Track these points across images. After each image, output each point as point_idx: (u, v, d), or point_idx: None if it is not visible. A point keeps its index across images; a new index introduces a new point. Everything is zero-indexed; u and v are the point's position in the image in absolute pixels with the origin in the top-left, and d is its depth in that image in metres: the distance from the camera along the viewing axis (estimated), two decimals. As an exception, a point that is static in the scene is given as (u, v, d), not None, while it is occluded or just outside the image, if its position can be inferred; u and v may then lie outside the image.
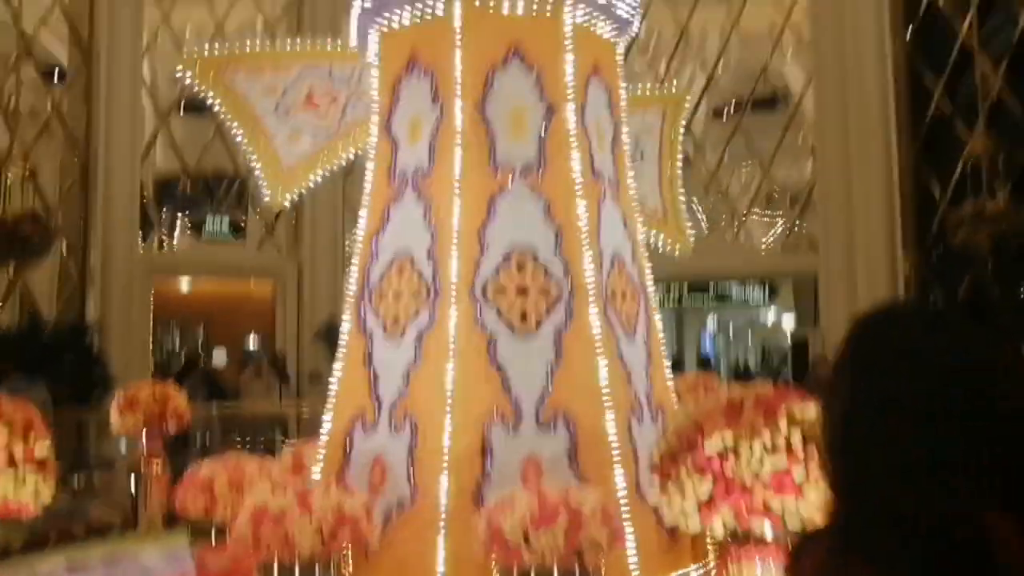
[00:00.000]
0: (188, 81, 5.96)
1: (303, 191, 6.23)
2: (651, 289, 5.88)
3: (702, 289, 18.16)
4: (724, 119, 20.94)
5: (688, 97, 8.01)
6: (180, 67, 5.90)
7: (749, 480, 2.75)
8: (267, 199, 6.17)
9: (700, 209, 18.22)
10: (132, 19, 16.80)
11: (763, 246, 18.35)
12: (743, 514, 2.80)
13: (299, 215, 18.38)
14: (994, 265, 12.99)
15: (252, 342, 19.71)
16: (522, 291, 5.26)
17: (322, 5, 17.75)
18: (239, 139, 5.97)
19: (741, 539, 2.89)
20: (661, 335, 5.91)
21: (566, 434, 5.10)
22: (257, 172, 6.06)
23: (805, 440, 2.81)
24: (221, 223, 18.53)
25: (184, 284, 19.27)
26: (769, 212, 21.68)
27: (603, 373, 5.19)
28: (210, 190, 19.98)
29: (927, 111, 15.48)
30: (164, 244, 18.38)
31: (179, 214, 19.33)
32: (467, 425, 5.06)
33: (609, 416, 5.13)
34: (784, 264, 17.72)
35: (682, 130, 7.44)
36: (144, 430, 6.79)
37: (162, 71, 22.33)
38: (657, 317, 5.90)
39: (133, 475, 7.05)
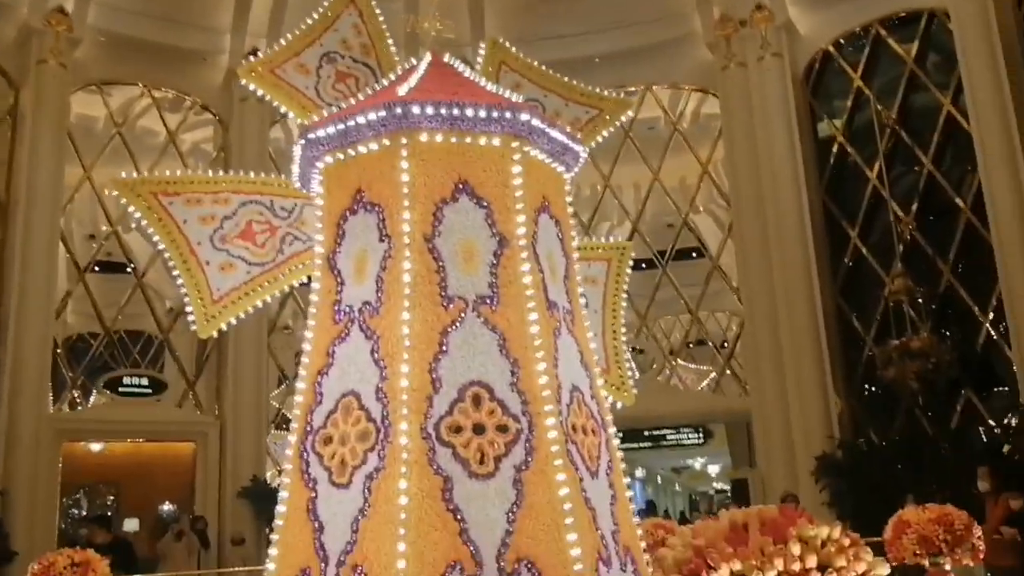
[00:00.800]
0: (122, 202, 5.71)
1: (231, 323, 5.93)
2: (610, 422, 5.64)
3: (636, 434, 18.00)
4: (645, 268, 21.43)
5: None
6: (114, 189, 5.65)
7: (762, 613, 2.45)
8: (194, 328, 5.85)
9: (630, 356, 18.28)
10: (52, 177, 16.52)
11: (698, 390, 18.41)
12: (758, 656, 2.48)
13: (221, 371, 17.78)
14: (924, 400, 13.18)
15: (166, 509, 18.56)
16: (478, 429, 4.97)
17: (249, 163, 17.79)
18: (170, 265, 5.70)
19: None
20: (624, 471, 5.63)
21: (530, 584, 4.71)
22: (186, 300, 5.74)
23: (822, 567, 2.53)
24: (139, 380, 17.75)
25: (95, 445, 18.22)
26: (700, 366, 21.92)
27: (567, 515, 4.86)
28: (126, 348, 19.28)
29: (845, 254, 16.06)
30: (78, 404, 17.47)
31: (94, 373, 18.50)
32: (422, 578, 4.64)
33: (576, 562, 4.77)
34: (717, 407, 17.75)
35: (626, 282, 7.35)
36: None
37: (79, 230, 22.02)
38: (619, 452, 5.63)
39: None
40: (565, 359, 5.40)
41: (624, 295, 7.34)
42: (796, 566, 2.53)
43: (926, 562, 5.37)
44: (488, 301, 5.25)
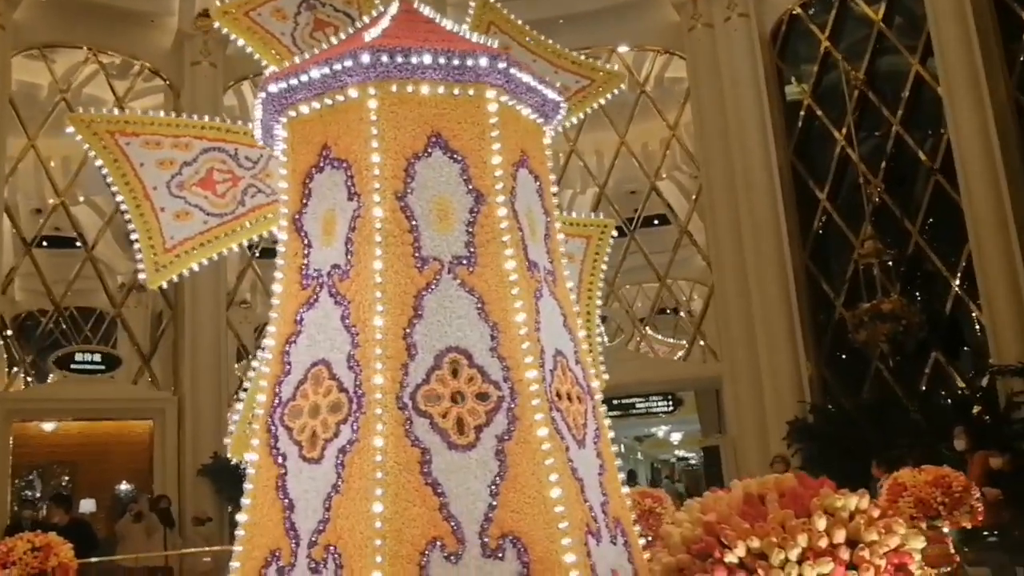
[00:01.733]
0: (78, 139, 5.32)
1: (183, 274, 5.64)
2: (597, 388, 5.38)
3: (605, 403, 17.86)
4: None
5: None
6: (70, 126, 5.29)
7: (786, 596, 2.14)
8: (142, 277, 5.54)
9: (601, 323, 18.17)
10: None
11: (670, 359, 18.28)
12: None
13: (178, 347, 17.29)
14: (894, 362, 13.14)
15: (124, 490, 18.10)
16: (457, 397, 4.67)
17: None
18: (123, 208, 5.39)
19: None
20: (611, 438, 5.37)
21: (517, 562, 4.44)
22: (136, 247, 5.44)
23: (851, 542, 2.22)
24: (92, 357, 17.18)
25: (48, 425, 17.65)
26: (670, 338, 21.81)
27: (554, 486, 4.58)
28: (77, 325, 18.67)
29: (814, 218, 15.98)
30: (29, 383, 16.89)
31: (44, 351, 17.91)
32: (401, 557, 4.35)
33: (564, 536, 4.50)
34: (687, 374, 17.65)
35: (605, 261, 7.00)
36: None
37: (24, 203, 21.22)
38: (607, 421, 5.37)
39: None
40: (547, 322, 5.11)
41: (602, 275, 7.00)
42: (823, 542, 2.20)
43: (923, 525, 5.19)
44: (465, 262, 4.95)
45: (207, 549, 11.89)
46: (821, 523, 2.25)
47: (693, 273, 21.56)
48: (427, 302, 4.84)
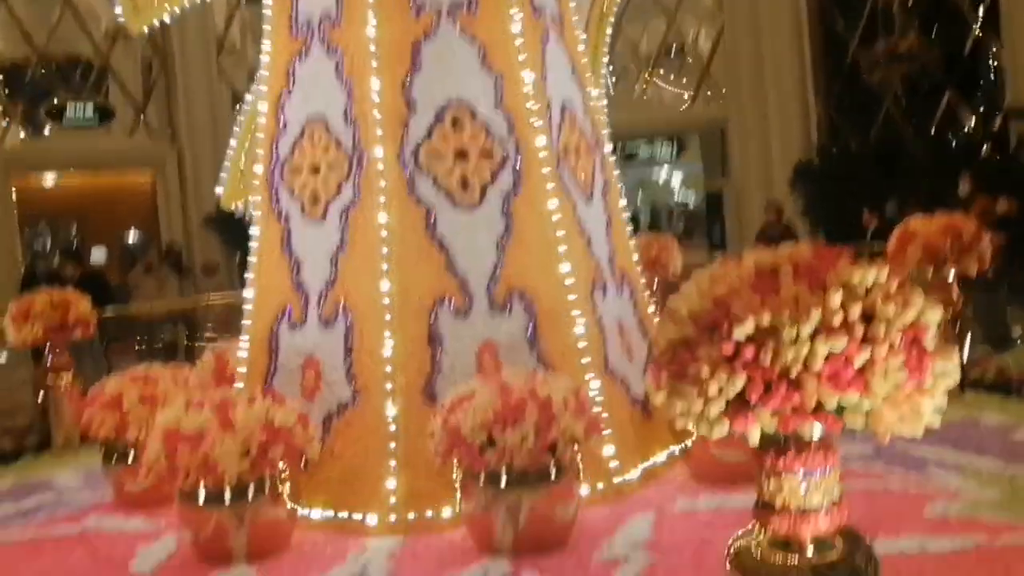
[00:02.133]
0: None
1: (162, 19, 5.39)
2: (605, 139, 5.19)
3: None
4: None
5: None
6: None
7: (796, 372, 2.06)
8: (121, 21, 5.38)
9: (608, 64, 17.47)
10: None
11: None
12: (789, 417, 2.11)
13: (171, 94, 16.86)
14: (907, 104, 12.74)
15: (132, 238, 18.31)
16: (461, 154, 4.50)
17: None
18: None
19: (783, 445, 2.24)
20: (620, 191, 5.26)
21: (523, 314, 4.48)
22: None
23: (866, 316, 2.13)
24: (84, 109, 16.73)
25: (49, 180, 17.57)
26: (675, 86, 21.06)
27: (560, 242, 4.53)
28: (64, 75, 18.02)
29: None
30: (23, 136, 16.59)
31: (35, 101, 17.41)
32: (410, 313, 4.39)
33: (570, 291, 4.51)
34: (692, 116, 17.25)
35: (615, 12, 6.37)
36: (48, 342, 6.24)
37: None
38: (615, 172, 5.23)
39: (40, 392, 6.55)
40: (554, 72, 4.84)
41: (610, 27, 6.40)
42: (837, 319, 2.10)
43: (930, 272, 5.20)
44: (465, 6, 4.61)
45: (220, 294, 12.12)
46: (836, 299, 2.14)
47: (701, 11, 20.53)
48: (425, 52, 4.56)
